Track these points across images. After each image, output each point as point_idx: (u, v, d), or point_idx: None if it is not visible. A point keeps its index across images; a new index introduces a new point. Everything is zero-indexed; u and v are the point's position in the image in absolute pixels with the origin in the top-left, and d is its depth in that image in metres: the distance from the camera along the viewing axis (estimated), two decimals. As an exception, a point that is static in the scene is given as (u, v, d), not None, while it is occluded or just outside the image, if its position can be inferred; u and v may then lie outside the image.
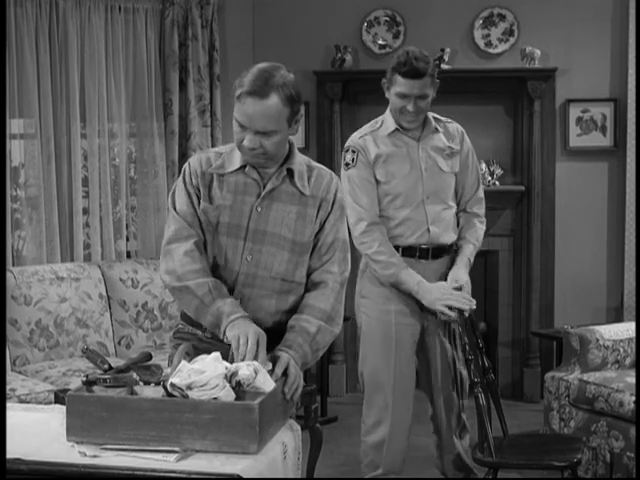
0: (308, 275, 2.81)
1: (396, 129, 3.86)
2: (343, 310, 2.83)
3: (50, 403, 4.41)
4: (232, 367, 2.45)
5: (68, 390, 2.91)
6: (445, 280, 3.90)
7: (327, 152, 6.05)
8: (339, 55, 6.03)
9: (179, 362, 2.50)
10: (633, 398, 4.22)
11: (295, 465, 2.58)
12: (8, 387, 4.55)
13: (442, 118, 3.99)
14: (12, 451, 2.29)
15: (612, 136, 5.98)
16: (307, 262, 2.80)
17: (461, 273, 3.89)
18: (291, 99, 2.65)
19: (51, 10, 5.38)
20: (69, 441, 2.38)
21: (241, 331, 2.57)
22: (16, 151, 5.44)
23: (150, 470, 2.22)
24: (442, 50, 5.96)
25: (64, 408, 2.43)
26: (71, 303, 5.19)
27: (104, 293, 5.36)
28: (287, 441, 2.52)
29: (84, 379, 2.48)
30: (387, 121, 3.88)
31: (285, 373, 2.57)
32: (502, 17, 6.03)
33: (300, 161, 2.82)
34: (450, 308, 3.78)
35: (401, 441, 3.97)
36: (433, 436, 4.13)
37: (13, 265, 5.33)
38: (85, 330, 5.21)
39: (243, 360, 2.50)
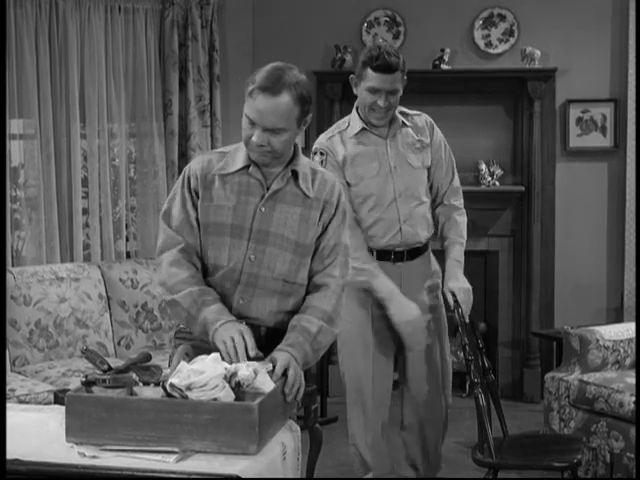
0: (310, 278, 2.82)
1: (363, 128, 3.79)
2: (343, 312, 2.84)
3: (50, 403, 4.41)
4: (231, 368, 2.45)
5: (68, 390, 2.91)
6: (431, 281, 3.88)
7: (327, 152, 6.04)
8: (339, 55, 6.03)
9: (178, 363, 2.50)
10: (633, 399, 4.22)
11: (294, 466, 2.58)
12: (7, 387, 4.55)
13: (409, 111, 3.89)
14: (11, 451, 2.29)
15: (612, 136, 5.98)
16: (309, 264, 2.81)
17: (459, 283, 3.83)
18: (302, 99, 2.67)
19: (51, 10, 5.37)
20: (68, 442, 2.38)
21: (225, 335, 2.60)
22: (16, 151, 5.44)
23: (149, 471, 2.22)
24: (442, 50, 5.96)
25: (63, 408, 2.43)
26: (71, 303, 5.19)
27: (104, 293, 5.35)
28: (286, 442, 2.52)
29: (83, 380, 2.48)
30: (354, 121, 3.82)
31: (285, 374, 2.57)
32: (502, 17, 6.03)
33: (305, 163, 2.83)
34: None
35: (381, 443, 3.96)
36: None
37: (13, 265, 5.33)
38: (85, 330, 5.20)
39: (232, 363, 2.51)
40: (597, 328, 4.68)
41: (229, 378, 2.42)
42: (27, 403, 4.40)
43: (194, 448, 2.33)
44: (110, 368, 2.56)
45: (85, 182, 5.65)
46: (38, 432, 2.51)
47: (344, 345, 3.95)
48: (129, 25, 5.69)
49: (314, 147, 3.87)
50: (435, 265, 4.01)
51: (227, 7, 6.08)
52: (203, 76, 5.89)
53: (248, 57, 6.08)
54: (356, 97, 3.81)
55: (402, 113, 3.85)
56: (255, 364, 2.49)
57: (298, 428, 2.65)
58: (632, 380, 4.34)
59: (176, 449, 2.31)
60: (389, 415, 4.01)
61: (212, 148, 5.83)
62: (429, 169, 3.91)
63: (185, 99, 5.86)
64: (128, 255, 5.85)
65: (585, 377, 4.50)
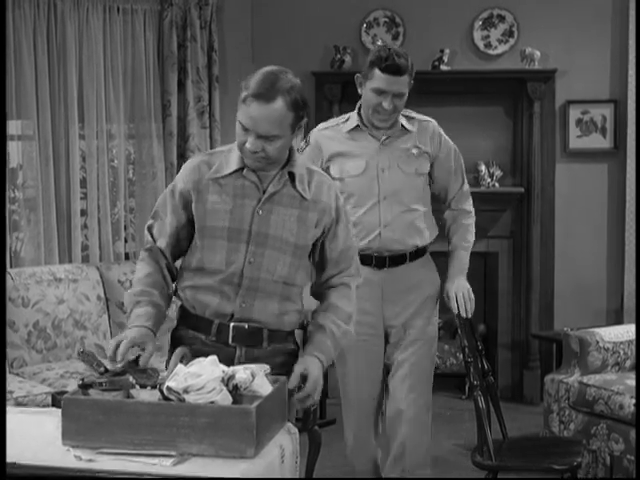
0: (324, 282, 2.87)
1: (357, 126, 3.74)
2: None
3: (48, 405, 4.40)
4: (229, 370, 2.45)
5: (66, 392, 2.90)
6: (421, 282, 3.81)
7: (326, 153, 6.04)
8: (338, 56, 6.02)
9: (175, 365, 2.49)
10: (633, 401, 4.21)
11: (293, 468, 2.57)
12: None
13: (417, 116, 3.82)
14: (8, 454, 2.28)
15: (612, 137, 5.97)
16: (308, 266, 2.83)
17: (456, 284, 3.77)
18: (296, 104, 2.64)
19: (49, 11, 5.36)
20: (65, 445, 2.37)
21: (117, 337, 2.68)
22: (14, 152, 5.43)
23: (146, 474, 2.21)
24: (441, 51, 5.96)
25: (60, 411, 2.42)
26: (69, 305, 5.18)
27: (102, 295, 5.34)
28: (285, 444, 2.51)
29: (80, 382, 2.47)
30: (352, 117, 3.77)
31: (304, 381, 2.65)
32: (502, 18, 6.02)
33: (301, 164, 2.81)
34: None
35: (371, 452, 3.93)
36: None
37: (11, 267, 5.31)
38: (83, 332, 5.19)
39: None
40: (597, 330, 4.68)
41: (226, 381, 2.42)
42: (25, 405, 4.39)
43: (191, 451, 2.31)
44: (107, 370, 2.55)
45: (84, 183, 5.64)
46: (34, 435, 2.49)
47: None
48: (128, 26, 5.68)
49: (310, 132, 3.82)
50: (432, 274, 3.89)
51: (226, 8, 6.07)
52: (202, 77, 5.89)
53: (247, 58, 6.07)
54: (358, 98, 3.77)
55: (407, 117, 3.77)
56: (252, 367, 2.48)
57: (296, 431, 2.64)
58: (632, 382, 4.34)
59: (173, 452, 2.30)
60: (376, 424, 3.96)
61: (211, 149, 5.81)
62: (431, 177, 3.82)
63: (184, 100, 5.85)
64: (127, 256, 5.84)
65: (585, 379, 4.49)
